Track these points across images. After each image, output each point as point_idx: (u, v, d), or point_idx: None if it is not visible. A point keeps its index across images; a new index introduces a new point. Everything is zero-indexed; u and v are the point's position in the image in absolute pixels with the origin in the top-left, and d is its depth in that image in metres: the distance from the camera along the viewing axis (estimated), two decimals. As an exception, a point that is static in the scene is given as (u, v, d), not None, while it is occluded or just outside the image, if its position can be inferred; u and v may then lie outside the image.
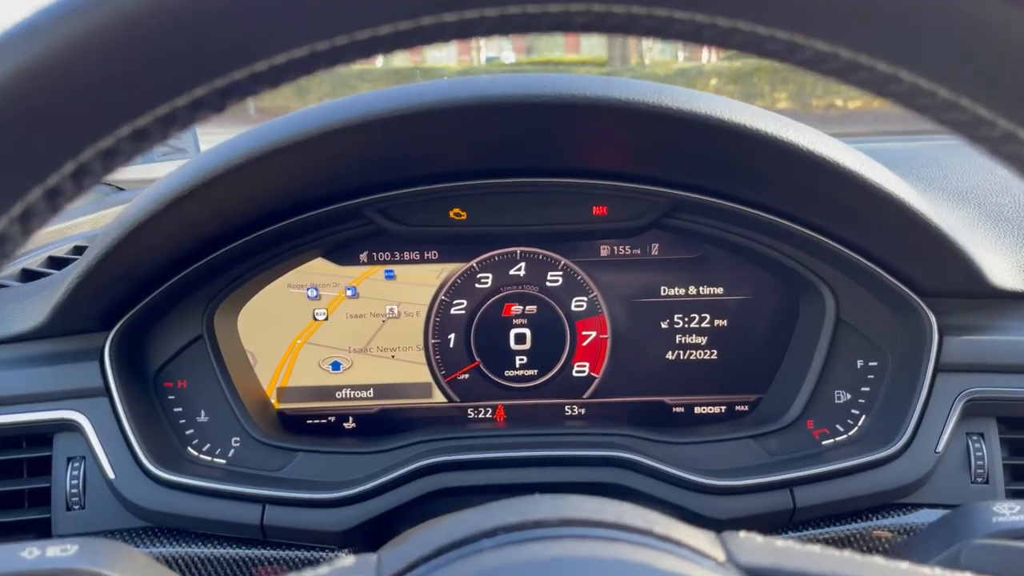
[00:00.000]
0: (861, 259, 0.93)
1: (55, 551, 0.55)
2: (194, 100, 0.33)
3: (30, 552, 0.55)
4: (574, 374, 1.06)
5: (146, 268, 0.91)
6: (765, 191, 0.92)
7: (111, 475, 0.89)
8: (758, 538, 0.44)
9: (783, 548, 0.43)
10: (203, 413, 0.98)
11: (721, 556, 0.42)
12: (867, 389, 0.99)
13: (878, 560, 0.42)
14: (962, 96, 0.34)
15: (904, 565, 0.43)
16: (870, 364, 0.99)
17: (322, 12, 0.32)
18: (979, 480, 0.92)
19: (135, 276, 0.90)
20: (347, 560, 0.44)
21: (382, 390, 1.06)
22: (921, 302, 0.93)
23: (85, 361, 0.91)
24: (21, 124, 0.31)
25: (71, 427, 0.91)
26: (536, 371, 1.06)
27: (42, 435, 0.92)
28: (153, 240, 0.86)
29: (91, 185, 0.35)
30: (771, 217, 0.94)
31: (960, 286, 0.92)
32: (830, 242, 0.94)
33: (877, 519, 0.93)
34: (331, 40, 0.33)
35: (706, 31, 0.34)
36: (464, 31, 0.34)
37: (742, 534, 0.45)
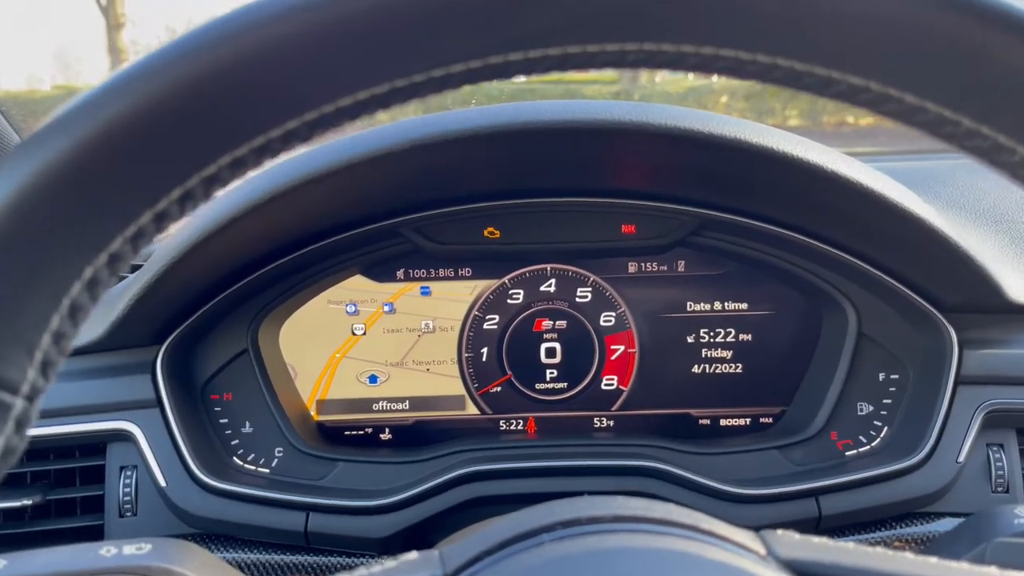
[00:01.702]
0: (882, 275, 0.97)
1: (131, 549, 0.59)
2: (287, 131, 0.37)
3: (108, 551, 0.59)
4: (603, 387, 1.09)
5: (197, 286, 0.95)
6: (788, 210, 0.96)
7: (162, 483, 0.93)
8: (795, 535, 0.48)
9: (819, 544, 0.47)
10: (248, 424, 1.02)
11: (762, 551, 0.45)
12: (889, 401, 1.02)
13: (909, 555, 0.46)
14: (983, 125, 0.37)
15: (934, 560, 0.46)
16: (892, 377, 1.02)
17: (405, 54, 0.36)
18: (999, 489, 0.95)
19: (186, 294, 0.95)
20: (411, 555, 0.47)
21: (417, 402, 1.09)
22: (942, 317, 0.96)
23: (138, 374, 0.95)
24: (147, 152, 0.35)
25: (124, 437, 0.95)
26: (566, 384, 1.09)
27: (96, 445, 0.96)
28: (205, 260, 0.90)
29: (193, 209, 0.39)
30: (794, 235, 0.98)
31: (979, 301, 0.95)
32: (852, 259, 0.97)
33: (901, 527, 0.95)
34: (409, 78, 0.37)
35: (749, 66, 0.38)
36: (529, 68, 0.38)
37: (780, 532, 0.48)
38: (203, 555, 0.62)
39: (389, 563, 0.46)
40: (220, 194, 0.90)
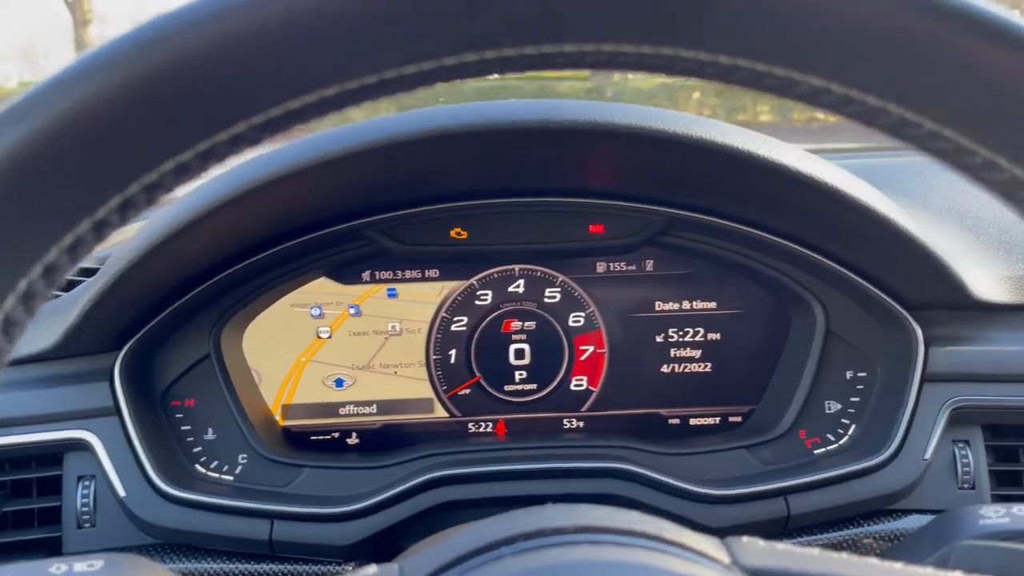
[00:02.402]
0: (849, 274, 0.97)
1: (81, 566, 0.57)
2: (233, 136, 0.36)
3: (58, 567, 0.57)
4: (572, 388, 1.09)
5: (156, 290, 0.93)
6: (756, 209, 0.96)
7: (121, 493, 0.91)
8: (760, 542, 0.47)
9: (784, 551, 0.46)
10: (210, 431, 1.00)
11: (726, 559, 0.45)
12: (857, 399, 1.02)
13: (873, 561, 0.45)
14: (945, 127, 0.37)
15: (899, 565, 0.45)
16: (859, 375, 1.02)
17: (354, 56, 0.34)
18: (966, 486, 0.96)
19: (145, 298, 0.93)
20: (370, 569, 0.46)
21: (385, 406, 1.08)
22: (908, 315, 0.96)
23: (95, 382, 0.93)
24: (82, 159, 0.34)
25: (81, 446, 0.92)
26: (535, 385, 1.09)
27: (52, 455, 0.94)
28: (164, 263, 0.88)
29: (136, 217, 0.38)
30: (762, 234, 0.98)
31: (945, 299, 0.96)
32: (819, 257, 0.97)
33: (868, 525, 0.96)
34: (360, 80, 0.35)
35: (708, 68, 0.37)
36: (485, 70, 0.37)
37: (745, 539, 0.47)
38: (156, 570, 0.60)
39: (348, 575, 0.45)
40: (180, 195, 0.88)
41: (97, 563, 0.58)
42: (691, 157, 0.85)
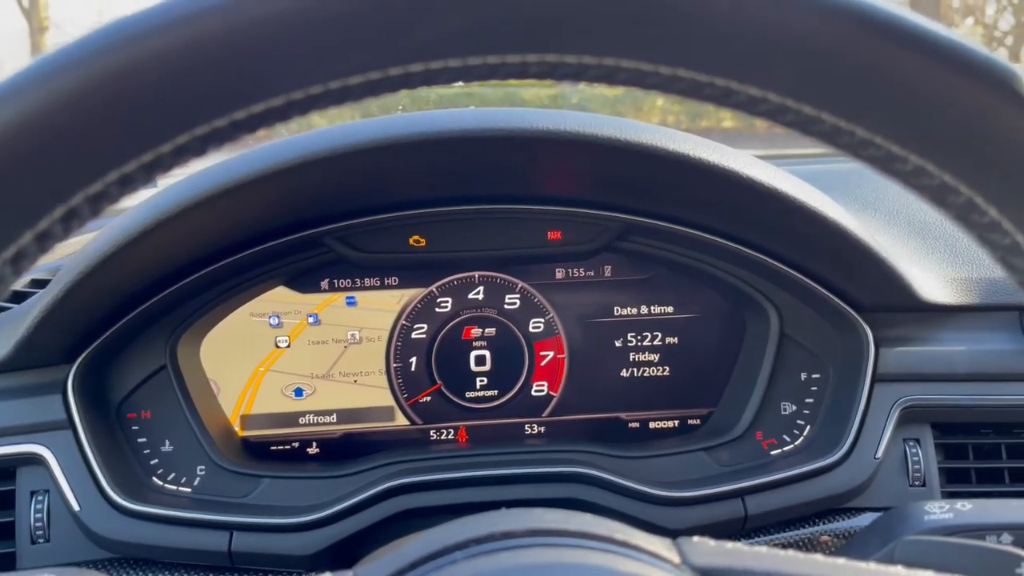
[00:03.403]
0: (801, 277, 0.99)
1: (32, 582, 0.57)
2: (178, 147, 0.36)
3: (8, 584, 0.56)
4: (533, 393, 1.09)
5: (109, 301, 0.91)
6: (709, 215, 0.97)
7: (76, 507, 0.89)
8: (710, 542, 0.48)
9: (732, 550, 0.47)
10: (167, 443, 0.98)
11: (676, 559, 0.46)
12: (811, 400, 1.04)
13: (819, 557, 0.46)
14: (876, 135, 0.38)
15: (842, 561, 0.46)
16: (813, 376, 1.04)
17: (299, 66, 0.35)
18: (916, 483, 0.98)
19: (98, 309, 0.91)
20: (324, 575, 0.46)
21: (345, 415, 1.08)
22: (858, 317, 0.98)
23: (48, 395, 0.92)
24: (21, 171, 0.33)
25: (34, 460, 0.91)
26: (496, 391, 1.09)
27: (5, 469, 0.92)
28: (117, 273, 0.87)
29: (80, 227, 0.38)
30: (716, 239, 0.99)
31: (893, 301, 0.98)
32: (772, 262, 0.99)
33: (824, 524, 0.98)
34: (306, 90, 0.36)
35: (649, 78, 0.38)
36: (429, 80, 0.37)
37: (696, 538, 0.48)
38: (111, 584, 0.60)
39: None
40: (132, 204, 0.88)
41: (47, 578, 0.57)
42: (645, 164, 0.86)
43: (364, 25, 0.34)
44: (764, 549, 0.48)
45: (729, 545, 0.47)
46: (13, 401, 0.92)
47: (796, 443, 1.03)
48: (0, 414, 0.91)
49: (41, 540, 0.91)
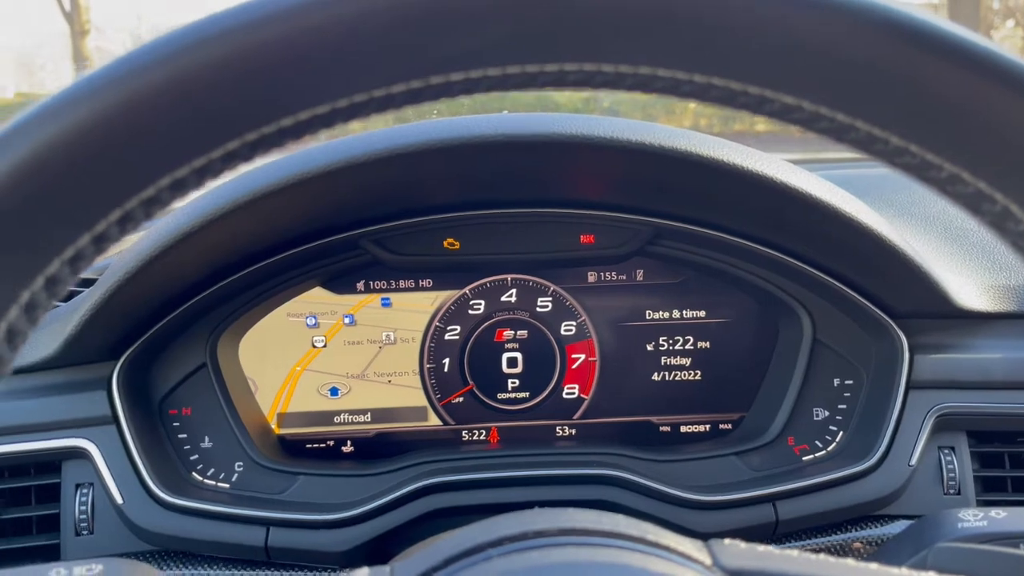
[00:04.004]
0: (836, 283, 0.98)
1: (81, 571, 0.59)
2: (228, 152, 0.37)
3: (57, 572, 0.58)
4: (564, 396, 1.10)
5: (153, 300, 0.94)
6: (743, 220, 0.98)
7: (119, 500, 0.92)
8: (741, 544, 0.48)
9: (764, 552, 0.47)
10: (207, 439, 1.01)
11: (708, 560, 0.46)
12: (844, 406, 1.03)
13: (850, 562, 0.47)
14: (911, 143, 0.38)
15: (874, 566, 0.47)
16: (846, 382, 1.04)
17: (345, 76, 0.36)
18: (951, 492, 0.97)
19: (143, 308, 0.94)
20: (362, 571, 0.47)
21: (379, 414, 1.09)
22: (893, 323, 0.98)
23: (93, 391, 0.94)
24: (83, 175, 0.35)
25: (79, 455, 0.93)
26: (528, 394, 1.10)
27: (51, 463, 0.95)
28: (162, 273, 0.89)
29: (134, 231, 0.39)
30: (750, 244, 0.99)
31: (929, 308, 0.97)
32: (805, 267, 0.99)
33: (855, 531, 0.97)
34: (350, 99, 0.37)
35: (684, 87, 0.39)
36: (469, 89, 0.38)
37: (727, 541, 0.49)
38: (154, 575, 0.62)
39: (342, 579, 0.46)
40: (177, 207, 0.90)
41: (96, 567, 0.59)
42: (678, 169, 0.87)
43: (408, 36, 0.35)
44: (795, 552, 0.48)
45: (761, 548, 0.48)
46: (59, 397, 0.94)
47: (828, 449, 1.03)
48: (47, 409, 0.94)
49: (85, 532, 0.94)
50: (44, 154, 0.34)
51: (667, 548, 0.46)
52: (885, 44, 0.35)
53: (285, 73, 0.35)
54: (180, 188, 0.38)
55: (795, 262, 0.98)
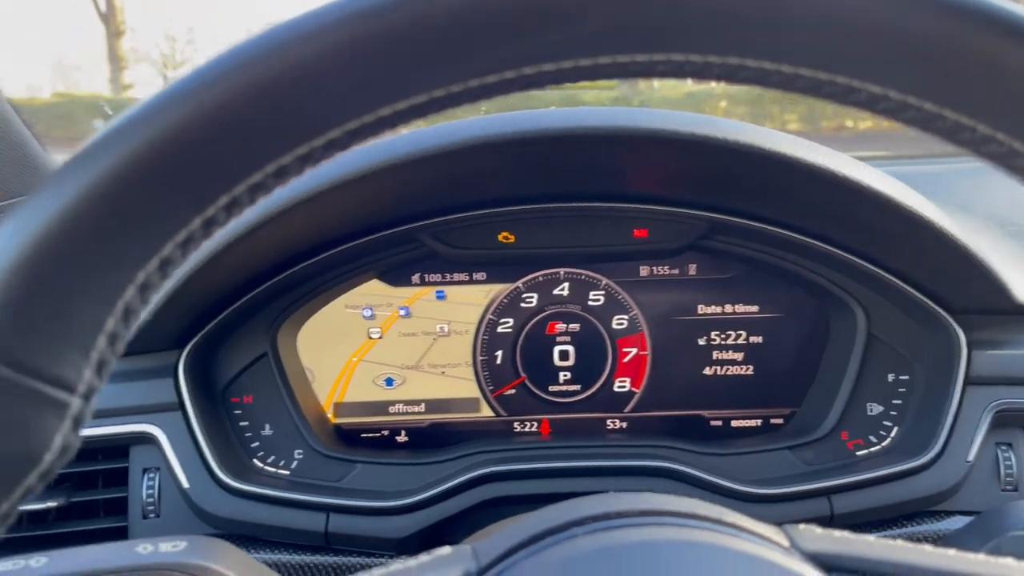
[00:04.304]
0: (892, 278, 0.98)
1: (167, 547, 0.61)
2: (329, 140, 0.39)
3: (145, 548, 0.60)
4: (615, 389, 1.11)
5: (218, 291, 0.97)
6: (799, 214, 0.98)
7: (185, 484, 0.95)
8: (817, 529, 0.49)
9: (840, 537, 0.48)
10: (267, 427, 1.03)
11: (785, 543, 0.47)
12: (899, 401, 1.03)
13: (928, 548, 0.47)
14: (999, 131, 0.39)
15: (952, 552, 0.47)
16: (901, 377, 1.03)
17: (448, 64, 0.37)
18: (1008, 488, 0.97)
19: (208, 298, 0.96)
20: (444, 550, 0.49)
21: (432, 405, 1.11)
22: (950, 318, 0.97)
23: (160, 378, 0.97)
24: (200, 159, 0.37)
25: (147, 440, 0.96)
26: (579, 386, 1.11)
27: (119, 447, 0.98)
28: (227, 265, 0.92)
29: (236, 215, 0.41)
30: (804, 238, 1.00)
31: (988, 303, 0.97)
32: (861, 262, 0.99)
33: (911, 526, 0.97)
34: (447, 88, 0.38)
35: (772, 77, 0.39)
36: (559, 79, 0.39)
37: (801, 526, 0.50)
38: (237, 553, 0.64)
39: (423, 558, 0.48)
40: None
41: (181, 544, 0.61)
42: (736, 163, 0.87)
43: (502, 26, 0.36)
44: (872, 538, 0.49)
45: (837, 533, 0.49)
46: (128, 384, 0.97)
47: (883, 444, 1.02)
48: (116, 395, 0.97)
49: (152, 515, 0.96)
50: (173, 139, 0.36)
51: (746, 529, 0.47)
52: (975, 33, 0.36)
53: (391, 62, 0.36)
54: (283, 175, 0.39)
55: (851, 257, 0.98)
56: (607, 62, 0.39)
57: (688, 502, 0.50)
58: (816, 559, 0.46)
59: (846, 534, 0.49)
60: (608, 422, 1.12)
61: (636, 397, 1.11)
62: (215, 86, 0.36)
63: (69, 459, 0.39)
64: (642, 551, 0.43)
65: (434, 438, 1.10)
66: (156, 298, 0.91)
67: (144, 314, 0.39)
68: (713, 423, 1.11)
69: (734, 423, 1.11)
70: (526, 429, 1.12)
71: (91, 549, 0.60)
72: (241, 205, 0.40)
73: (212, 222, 0.39)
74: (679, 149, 0.88)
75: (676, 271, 1.08)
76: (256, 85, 0.36)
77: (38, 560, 0.58)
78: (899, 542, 0.48)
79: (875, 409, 1.04)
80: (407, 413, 1.11)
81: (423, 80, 0.38)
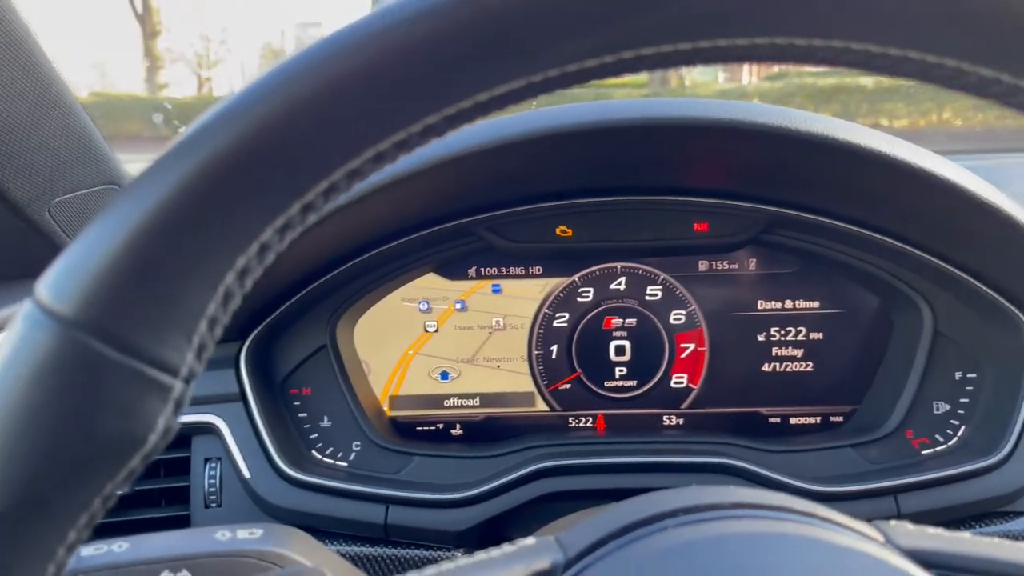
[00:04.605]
0: (960, 273, 0.96)
1: (244, 534, 0.61)
2: (426, 126, 0.39)
3: (223, 534, 0.61)
4: (672, 385, 1.10)
5: (279, 284, 0.97)
6: (865, 208, 0.96)
7: (246, 474, 0.95)
8: (909, 525, 0.48)
9: (935, 534, 0.47)
10: (326, 418, 1.04)
11: (880, 539, 0.46)
12: (966, 400, 1.01)
13: (1025, 545, 0.46)
14: None
15: (1052, 549, 0.46)
16: (969, 376, 1.01)
17: (542, 47, 0.37)
18: (1081, 488, 0.94)
19: (269, 291, 0.97)
20: (528, 541, 0.48)
21: (487, 399, 1.11)
22: (1022, 315, 0.95)
23: (222, 369, 0.98)
24: (303, 142, 0.37)
25: (208, 430, 0.97)
26: (635, 382, 1.10)
27: (181, 437, 0.99)
28: (288, 259, 0.92)
29: (333, 201, 0.41)
30: (869, 232, 0.98)
31: (1061, 300, 0.94)
32: (929, 256, 0.96)
33: (981, 527, 0.95)
34: (544, 73, 0.38)
35: (877, 60, 0.38)
36: (656, 64, 0.39)
37: (893, 522, 0.48)
38: (310, 541, 0.64)
39: (507, 548, 0.47)
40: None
41: (258, 532, 0.61)
42: (806, 154, 0.86)
43: (607, 8, 0.36)
44: (967, 535, 0.48)
45: (931, 529, 0.47)
46: (191, 374, 0.98)
47: (950, 443, 1.00)
48: (179, 386, 0.98)
49: (214, 504, 0.98)
50: (277, 127, 0.36)
51: (840, 524, 0.46)
52: None
53: (487, 49, 0.36)
54: (379, 160, 0.39)
55: (918, 252, 0.96)
56: (707, 46, 0.38)
57: (777, 496, 0.49)
58: (914, 555, 0.44)
59: (941, 531, 0.47)
60: (664, 418, 1.11)
61: (693, 393, 1.10)
62: (320, 72, 0.36)
63: (168, 442, 0.39)
64: (741, 543, 0.43)
65: (489, 432, 1.10)
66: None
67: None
68: (771, 420, 1.09)
69: (793, 420, 1.09)
70: (581, 424, 1.11)
71: (171, 535, 0.61)
72: (338, 191, 0.40)
73: (310, 207, 0.39)
74: (751, 140, 0.86)
75: (736, 266, 1.07)
76: (360, 71, 0.36)
77: (120, 545, 0.59)
78: (996, 539, 0.46)
79: (942, 407, 1.01)
80: (462, 407, 1.11)
81: (521, 65, 0.37)
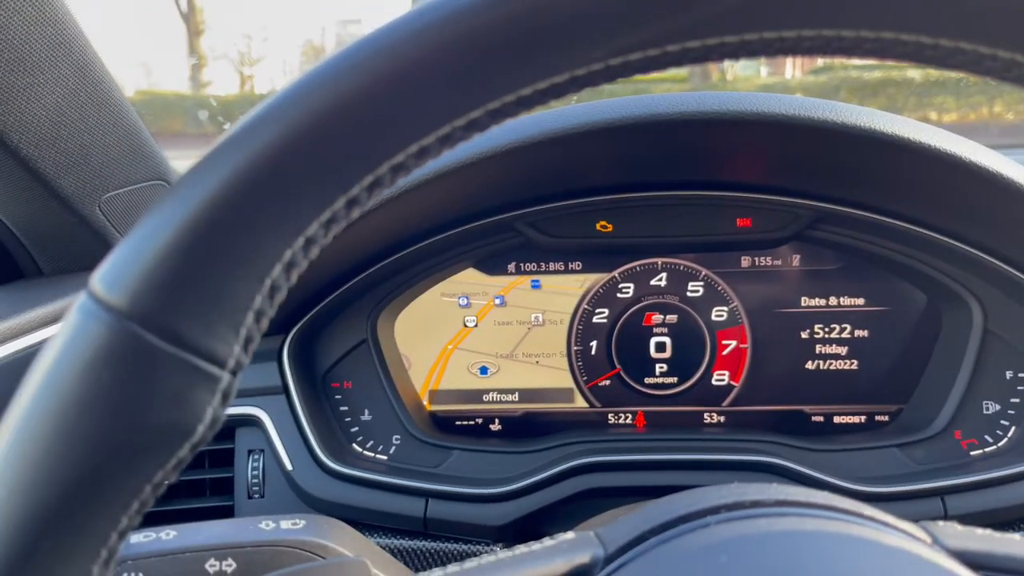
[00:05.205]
0: (1011, 270, 0.94)
1: (288, 524, 0.62)
2: (470, 120, 0.39)
3: (267, 524, 0.62)
4: (713, 383, 1.09)
5: (321, 278, 0.99)
6: (913, 204, 0.94)
7: (289, 466, 0.97)
8: (957, 526, 0.47)
9: (984, 535, 0.46)
10: (367, 412, 1.05)
11: (927, 539, 0.45)
12: (1017, 400, 0.98)
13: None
14: None
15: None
16: (1020, 375, 0.99)
17: (591, 39, 0.36)
18: None
19: (311, 285, 0.99)
20: (568, 535, 0.48)
21: (526, 394, 1.11)
22: (1076, 313, 0.93)
23: (265, 362, 1.00)
24: (347, 137, 0.37)
25: (251, 422, 0.99)
26: (676, 379, 1.09)
27: (225, 429, 1.01)
28: (330, 254, 0.93)
29: (377, 196, 0.41)
30: (916, 228, 0.96)
31: (1117, 298, 0.92)
32: (978, 253, 0.94)
33: (1031, 530, 0.93)
34: (588, 67, 0.38)
35: (927, 51, 0.38)
36: (705, 56, 0.38)
37: (940, 523, 0.47)
38: (352, 533, 0.65)
39: (548, 542, 0.47)
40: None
41: (301, 522, 0.62)
42: (853, 148, 0.84)
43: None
44: (1017, 536, 0.47)
45: (979, 531, 0.46)
46: (235, 367, 1.00)
47: (999, 444, 0.98)
48: (223, 378, 0.99)
49: (256, 495, 0.99)
50: (322, 122, 0.36)
51: (886, 524, 0.46)
52: None
53: (532, 43, 0.36)
54: (423, 155, 0.39)
55: (968, 248, 0.94)
56: (773, 37, 0.38)
57: (821, 494, 0.48)
58: (962, 557, 0.44)
59: (990, 532, 0.46)
60: (705, 416, 1.10)
61: (735, 391, 1.09)
62: (367, 69, 0.36)
63: (215, 432, 0.40)
64: (782, 541, 0.42)
65: (528, 427, 1.10)
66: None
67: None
68: (814, 419, 1.08)
69: (836, 419, 1.07)
70: (621, 421, 1.11)
71: (217, 524, 0.62)
72: (382, 185, 0.40)
73: (355, 202, 0.40)
74: (796, 134, 0.85)
75: (779, 262, 1.06)
76: (405, 68, 0.36)
77: (168, 533, 0.60)
78: (1050, 542, 0.45)
79: (991, 407, 0.99)
80: (501, 402, 1.11)
81: (563, 60, 0.37)
